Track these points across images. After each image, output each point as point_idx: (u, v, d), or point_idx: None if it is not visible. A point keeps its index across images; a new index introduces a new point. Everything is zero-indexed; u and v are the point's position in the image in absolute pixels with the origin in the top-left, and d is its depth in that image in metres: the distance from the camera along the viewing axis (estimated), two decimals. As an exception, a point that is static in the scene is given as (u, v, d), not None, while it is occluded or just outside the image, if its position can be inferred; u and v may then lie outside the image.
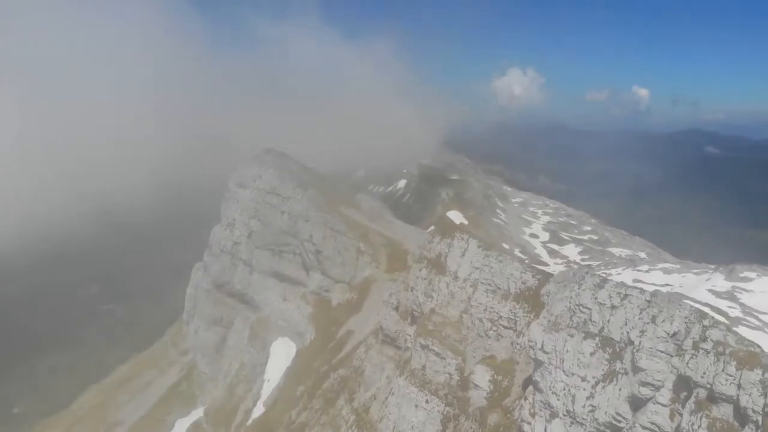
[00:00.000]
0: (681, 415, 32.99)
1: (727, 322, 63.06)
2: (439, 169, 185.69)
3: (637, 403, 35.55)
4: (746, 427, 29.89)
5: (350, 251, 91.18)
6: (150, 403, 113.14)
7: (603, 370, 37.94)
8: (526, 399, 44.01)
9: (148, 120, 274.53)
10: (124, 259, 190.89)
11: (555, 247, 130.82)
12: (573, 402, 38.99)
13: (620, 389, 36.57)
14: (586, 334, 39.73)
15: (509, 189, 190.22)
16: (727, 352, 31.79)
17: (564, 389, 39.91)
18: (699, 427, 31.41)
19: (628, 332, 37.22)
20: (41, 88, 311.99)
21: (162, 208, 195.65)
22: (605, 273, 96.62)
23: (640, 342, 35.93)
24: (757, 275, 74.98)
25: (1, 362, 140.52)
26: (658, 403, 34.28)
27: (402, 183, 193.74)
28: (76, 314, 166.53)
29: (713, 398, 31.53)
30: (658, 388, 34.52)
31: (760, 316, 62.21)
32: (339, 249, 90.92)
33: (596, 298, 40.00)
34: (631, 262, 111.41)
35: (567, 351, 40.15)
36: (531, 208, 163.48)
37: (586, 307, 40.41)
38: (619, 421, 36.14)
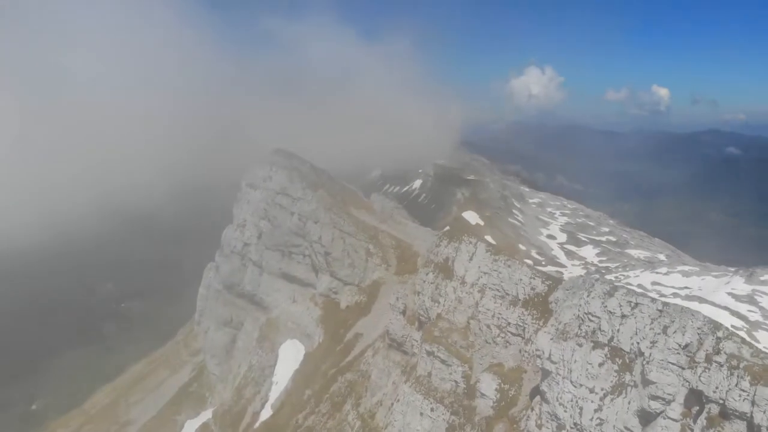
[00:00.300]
0: (692, 430, 31.57)
1: (746, 326, 61.48)
2: (455, 169, 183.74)
3: (646, 418, 34.10)
4: (760, 446, 28.36)
5: (359, 253, 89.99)
6: (161, 403, 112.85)
7: (612, 381, 36.49)
8: (532, 409, 42.62)
9: (163, 119, 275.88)
10: (140, 257, 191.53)
11: (572, 248, 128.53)
12: (580, 414, 37.57)
13: (629, 402, 35.11)
14: (594, 343, 38.26)
15: (526, 189, 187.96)
16: (741, 366, 30.22)
17: (571, 401, 38.52)
18: (711, 444, 29.93)
19: (638, 343, 35.71)
20: (56, 89, 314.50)
21: (178, 207, 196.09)
22: (623, 275, 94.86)
23: (650, 353, 34.44)
24: (778, 279, 72.98)
25: (24, 358, 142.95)
26: (669, 417, 32.88)
27: (418, 183, 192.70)
28: (96, 311, 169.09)
29: (726, 414, 30.02)
30: (668, 402, 33.07)
31: (780, 322, 60.30)
32: (348, 251, 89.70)
33: (606, 307, 38.45)
34: (650, 264, 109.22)
35: (575, 361, 38.74)
36: (548, 209, 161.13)
37: (595, 316, 38.89)
38: (628, 436, 34.69)
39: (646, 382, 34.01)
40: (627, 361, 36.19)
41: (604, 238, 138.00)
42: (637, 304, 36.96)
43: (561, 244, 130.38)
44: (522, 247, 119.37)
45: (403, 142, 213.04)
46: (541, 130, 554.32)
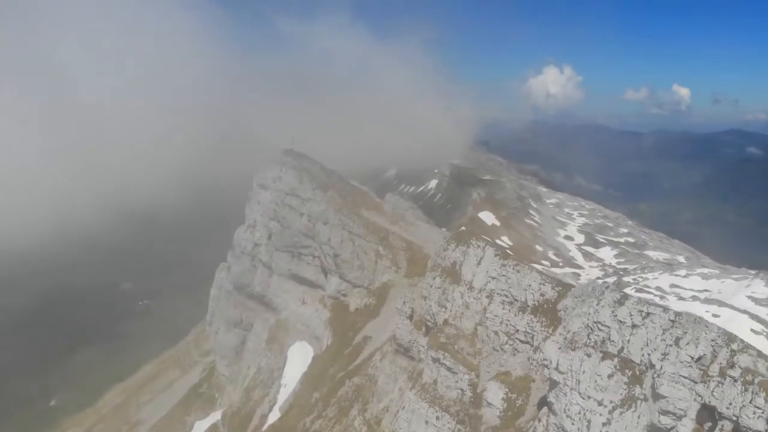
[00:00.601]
0: (704, 449, 29.87)
1: (766, 330, 59.30)
2: (471, 168, 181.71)
3: (656, 433, 32.43)
4: (775, 467, 26.71)
5: (369, 255, 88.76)
6: (171, 403, 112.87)
7: (621, 394, 34.87)
8: (539, 421, 41.11)
9: (177, 119, 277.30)
10: (156, 256, 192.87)
11: (590, 249, 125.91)
12: (588, 427, 36.01)
13: (639, 417, 33.49)
14: (604, 354, 36.65)
15: (543, 189, 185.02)
16: (756, 381, 28.54)
17: (579, 413, 36.95)
18: (724, 463, 28.31)
19: (649, 354, 34.06)
20: (71, 90, 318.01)
21: (193, 206, 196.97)
22: (641, 277, 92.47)
23: (661, 366, 32.76)
24: (800, 282, 70.47)
25: (46, 354, 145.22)
26: (680, 434, 31.16)
27: (433, 183, 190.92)
28: (114, 310, 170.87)
29: (739, 432, 28.32)
30: (679, 418, 31.42)
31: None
32: (357, 252, 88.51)
33: (616, 316, 36.81)
34: (669, 267, 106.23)
35: (583, 372, 37.16)
36: (566, 209, 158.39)
37: (605, 325, 37.26)
38: (637, 452, 33.09)
39: (657, 396, 32.39)
40: (637, 373, 34.56)
41: (622, 240, 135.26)
42: (648, 313, 35.29)
43: (579, 245, 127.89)
44: (539, 248, 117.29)
45: (418, 141, 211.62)
46: (560, 130, 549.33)
